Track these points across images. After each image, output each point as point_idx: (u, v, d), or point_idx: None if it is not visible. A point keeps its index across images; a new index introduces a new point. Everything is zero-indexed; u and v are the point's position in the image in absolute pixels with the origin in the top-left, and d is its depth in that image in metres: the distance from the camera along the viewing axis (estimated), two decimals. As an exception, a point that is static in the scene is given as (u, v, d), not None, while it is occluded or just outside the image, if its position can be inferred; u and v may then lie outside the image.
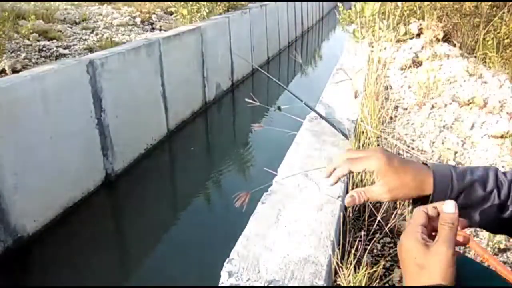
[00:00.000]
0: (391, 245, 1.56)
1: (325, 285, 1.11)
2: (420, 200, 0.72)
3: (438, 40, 3.93)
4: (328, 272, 1.17)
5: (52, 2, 5.82)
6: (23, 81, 2.97)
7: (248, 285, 1.09)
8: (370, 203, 1.58)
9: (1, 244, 2.83)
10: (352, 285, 1.21)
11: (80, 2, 6.34)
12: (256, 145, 5.00)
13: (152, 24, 6.15)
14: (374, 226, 1.53)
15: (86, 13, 5.78)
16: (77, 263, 2.94)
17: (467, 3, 3.90)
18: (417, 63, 3.66)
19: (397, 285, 1.37)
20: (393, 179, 0.70)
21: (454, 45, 3.93)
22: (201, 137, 5.59)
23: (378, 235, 1.52)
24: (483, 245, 1.55)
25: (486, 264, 1.29)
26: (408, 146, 2.33)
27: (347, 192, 1.63)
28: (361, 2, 3.76)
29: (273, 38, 9.24)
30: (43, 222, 3.14)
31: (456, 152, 2.21)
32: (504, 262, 1.48)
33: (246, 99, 1.82)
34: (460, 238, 0.60)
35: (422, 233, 0.58)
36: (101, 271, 2.95)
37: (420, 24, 4.16)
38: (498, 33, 3.65)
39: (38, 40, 4.41)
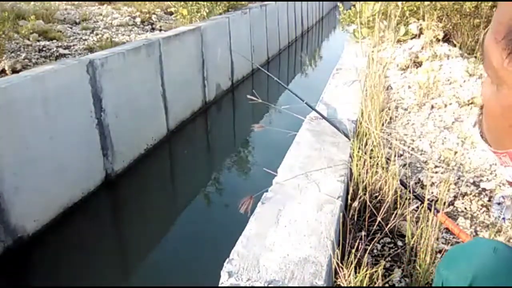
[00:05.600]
0: (391, 245, 1.55)
1: (325, 285, 1.11)
2: None
3: (438, 40, 3.93)
4: (328, 272, 1.17)
5: (52, 2, 5.82)
6: (23, 81, 2.97)
7: (248, 285, 1.09)
8: (370, 203, 1.57)
9: (1, 244, 2.83)
10: (352, 285, 1.21)
11: (80, 2, 6.34)
12: (256, 145, 5.00)
13: (152, 24, 6.15)
14: (375, 226, 1.53)
15: (86, 13, 5.78)
16: (78, 263, 2.94)
17: (467, 3, 3.89)
18: (417, 63, 3.66)
19: (397, 285, 1.37)
20: None
21: (454, 45, 3.93)
22: (201, 137, 5.59)
23: (378, 235, 1.52)
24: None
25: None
26: (408, 147, 2.33)
27: (347, 192, 1.63)
28: (361, 2, 3.76)
29: (273, 38, 9.24)
30: (43, 222, 3.14)
31: (456, 152, 2.21)
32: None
33: (248, 96, 1.82)
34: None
35: None
36: (101, 271, 2.95)
37: (420, 24, 4.16)
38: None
39: (38, 40, 4.40)
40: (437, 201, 1.67)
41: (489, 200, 1.78)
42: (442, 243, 1.54)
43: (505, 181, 1.90)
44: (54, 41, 4.52)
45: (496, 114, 0.39)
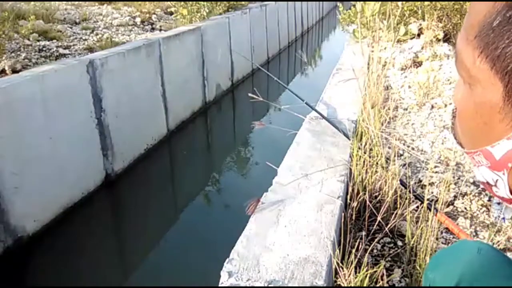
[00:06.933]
0: (391, 245, 1.55)
1: (325, 285, 1.11)
2: None
3: (438, 40, 3.93)
4: (328, 272, 1.17)
5: (52, 2, 5.82)
6: (23, 81, 2.97)
7: (248, 285, 1.09)
8: (370, 203, 1.58)
9: (1, 244, 2.83)
10: (352, 285, 1.21)
11: (80, 2, 6.34)
12: (256, 144, 5.00)
13: (152, 24, 6.15)
14: (375, 226, 1.53)
15: (86, 13, 5.78)
16: (78, 263, 2.94)
17: (467, 3, 3.89)
18: (417, 63, 3.66)
19: (397, 285, 1.37)
20: None
21: (454, 45, 3.92)
22: (201, 137, 5.59)
23: (378, 235, 1.52)
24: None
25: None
26: (408, 147, 2.33)
27: (347, 192, 1.63)
28: (361, 2, 3.75)
29: (273, 38, 9.24)
30: (43, 222, 3.14)
31: (455, 152, 2.21)
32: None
33: (249, 94, 1.82)
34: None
35: None
36: (101, 271, 2.95)
37: (420, 24, 4.16)
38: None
39: (38, 40, 4.40)
40: (437, 201, 1.67)
41: (489, 200, 1.78)
42: (442, 243, 1.54)
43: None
44: (54, 41, 4.52)
45: (470, 113, 0.40)
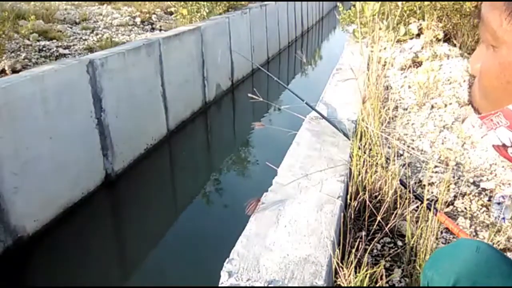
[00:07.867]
0: (391, 245, 1.55)
1: (325, 285, 1.11)
2: None
3: (438, 40, 3.93)
4: (328, 272, 1.17)
5: (52, 2, 5.82)
6: (23, 81, 2.97)
7: (248, 285, 1.09)
8: (370, 202, 1.57)
9: (1, 245, 2.83)
10: (352, 285, 1.21)
11: (80, 2, 6.34)
12: (256, 144, 5.00)
13: (152, 24, 6.15)
14: (374, 226, 1.53)
15: (86, 13, 5.77)
16: (78, 263, 2.94)
17: (467, 3, 3.89)
18: (417, 63, 3.65)
19: (397, 285, 1.37)
20: None
21: (454, 45, 3.93)
22: (201, 137, 5.59)
23: (378, 235, 1.52)
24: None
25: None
26: (408, 147, 2.33)
27: (347, 192, 1.63)
28: (361, 2, 3.76)
29: (273, 38, 9.24)
30: (43, 222, 3.14)
31: (455, 152, 2.21)
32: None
33: (249, 94, 1.82)
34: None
35: None
36: (101, 271, 2.95)
37: (420, 24, 4.16)
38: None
39: (38, 40, 4.40)
40: (437, 201, 1.67)
41: (489, 200, 1.78)
42: (442, 243, 1.54)
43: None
44: (54, 41, 4.52)
45: (494, 75, 0.43)
